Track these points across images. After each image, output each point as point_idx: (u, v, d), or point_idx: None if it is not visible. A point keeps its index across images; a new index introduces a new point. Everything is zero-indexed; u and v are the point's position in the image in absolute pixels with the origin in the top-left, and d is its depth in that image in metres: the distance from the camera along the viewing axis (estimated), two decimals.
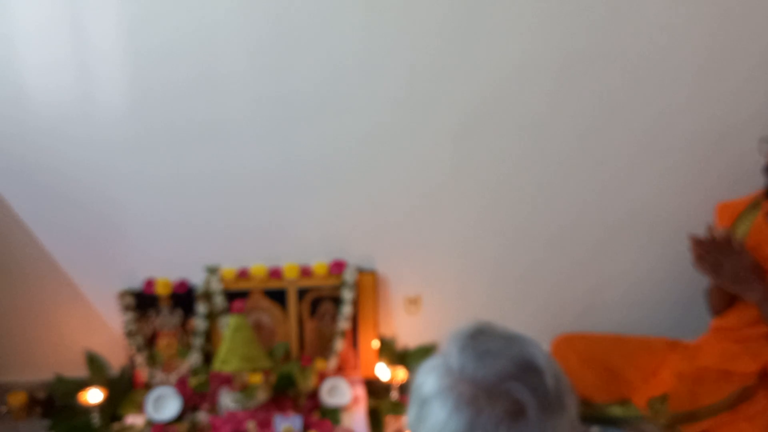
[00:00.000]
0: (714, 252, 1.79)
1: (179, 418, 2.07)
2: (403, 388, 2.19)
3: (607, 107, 2.13)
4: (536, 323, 2.35)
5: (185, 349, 2.23)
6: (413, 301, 2.34)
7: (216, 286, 2.18)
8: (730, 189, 2.02)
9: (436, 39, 2.00)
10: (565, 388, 0.81)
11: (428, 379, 0.84)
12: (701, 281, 2.07)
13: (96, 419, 2.10)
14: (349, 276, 2.21)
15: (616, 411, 2.14)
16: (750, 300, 1.80)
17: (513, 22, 1.99)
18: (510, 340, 0.84)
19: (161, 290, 2.19)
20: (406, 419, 0.87)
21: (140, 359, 2.20)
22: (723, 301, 1.98)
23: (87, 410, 2.12)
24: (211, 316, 2.21)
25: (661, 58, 2.07)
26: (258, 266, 2.21)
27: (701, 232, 1.82)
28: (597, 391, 2.13)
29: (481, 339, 0.85)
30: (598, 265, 2.36)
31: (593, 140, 2.17)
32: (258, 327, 2.25)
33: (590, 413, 2.16)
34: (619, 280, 2.39)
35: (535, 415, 0.77)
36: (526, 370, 0.80)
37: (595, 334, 2.24)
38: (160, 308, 2.22)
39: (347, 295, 2.21)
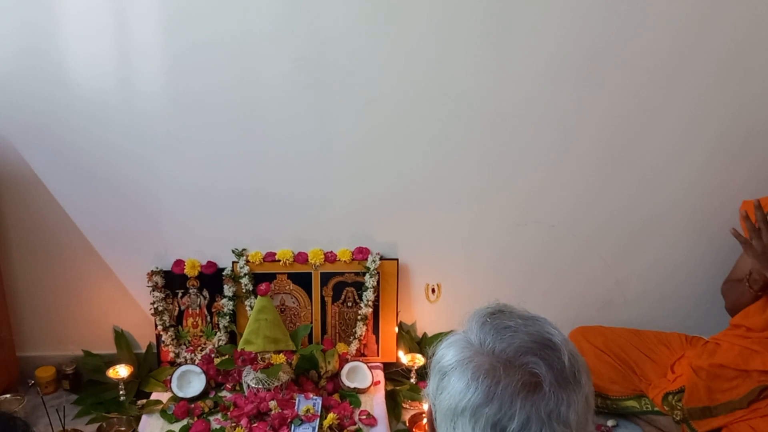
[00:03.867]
0: (761, 218, 1.72)
1: (203, 396, 2.05)
2: (422, 374, 2.16)
3: (633, 105, 2.08)
4: (556, 315, 2.27)
5: (211, 328, 2.21)
6: (433, 289, 2.30)
7: (243, 268, 2.16)
8: (757, 188, 1.97)
9: (467, 36, 1.97)
10: (580, 367, 0.81)
11: (448, 352, 0.84)
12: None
13: (122, 395, 2.08)
14: (371, 263, 2.18)
15: (632, 405, 2.10)
16: None
17: (543, 22, 1.96)
18: (529, 319, 0.85)
19: (190, 271, 2.17)
20: (426, 391, 0.87)
21: (167, 337, 2.17)
22: (744, 294, 1.93)
23: (113, 386, 2.11)
24: (238, 298, 2.18)
25: (686, 58, 2.02)
26: (284, 251, 2.19)
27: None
28: (613, 385, 2.09)
29: (500, 317, 0.85)
30: (621, 261, 2.30)
31: (619, 139, 2.12)
32: (283, 309, 2.22)
33: (606, 406, 2.12)
34: (642, 277, 2.33)
35: (550, 389, 0.77)
36: (544, 346, 0.80)
37: (612, 327, 2.19)
38: (188, 288, 2.20)
39: (369, 281, 2.18)
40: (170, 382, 2.05)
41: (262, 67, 1.99)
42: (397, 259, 2.23)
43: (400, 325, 2.30)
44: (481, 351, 0.81)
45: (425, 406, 2.02)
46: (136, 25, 1.92)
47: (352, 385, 2.10)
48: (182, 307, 2.21)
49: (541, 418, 0.76)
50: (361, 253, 2.19)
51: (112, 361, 2.17)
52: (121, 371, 2.07)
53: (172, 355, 2.18)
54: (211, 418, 1.95)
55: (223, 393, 2.07)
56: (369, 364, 2.18)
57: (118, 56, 1.96)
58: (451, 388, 0.81)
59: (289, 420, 1.89)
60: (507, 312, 0.87)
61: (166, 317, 2.17)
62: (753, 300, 1.90)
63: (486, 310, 0.87)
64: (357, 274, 2.21)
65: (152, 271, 2.16)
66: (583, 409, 0.79)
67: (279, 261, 2.18)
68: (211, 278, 2.19)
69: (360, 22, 1.95)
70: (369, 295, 2.18)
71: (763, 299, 1.87)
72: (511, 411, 0.76)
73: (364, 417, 1.97)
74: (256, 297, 2.09)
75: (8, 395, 2.05)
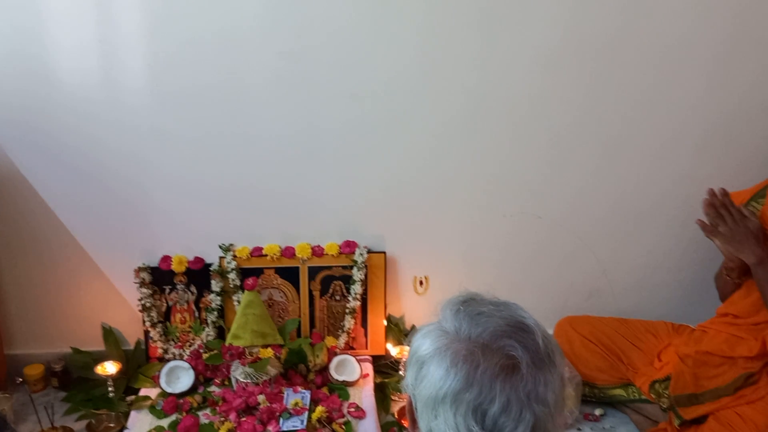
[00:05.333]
0: (719, 204, 1.74)
1: (192, 391, 2.03)
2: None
3: (625, 100, 2.08)
4: (544, 305, 2.29)
5: (199, 324, 2.19)
6: (421, 282, 2.29)
7: (230, 263, 2.14)
8: (745, 179, 1.97)
9: (460, 28, 1.95)
10: (554, 347, 0.82)
11: (424, 342, 0.84)
12: (711, 269, 2.02)
13: (111, 391, 2.06)
14: (359, 256, 2.17)
15: (619, 393, 2.10)
16: (746, 261, 1.74)
17: (535, 14, 1.95)
18: (500, 304, 0.86)
19: (177, 266, 2.15)
20: (404, 383, 0.87)
21: (155, 333, 2.15)
22: (727, 284, 1.93)
23: (102, 382, 2.08)
24: (226, 293, 2.16)
25: (680, 54, 2.02)
26: (271, 245, 2.17)
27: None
28: (600, 373, 2.09)
29: (472, 304, 0.85)
30: (609, 251, 2.30)
31: (609, 131, 2.12)
32: (271, 304, 2.21)
33: (593, 395, 2.12)
34: (629, 267, 2.32)
35: (528, 370, 0.78)
36: (518, 329, 0.82)
37: (599, 316, 2.19)
38: (175, 284, 2.18)
39: (357, 274, 2.17)
40: (159, 378, 2.04)
41: (248, 62, 1.97)
42: (384, 252, 2.22)
43: (389, 318, 2.29)
44: (457, 338, 0.82)
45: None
46: (121, 20, 1.90)
47: (340, 378, 2.09)
48: (170, 303, 2.19)
49: (521, 399, 0.77)
50: (349, 247, 2.18)
51: (100, 357, 2.14)
52: (109, 368, 2.05)
53: (160, 351, 2.17)
54: (200, 413, 1.94)
55: (212, 388, 2.06)
56: (357, 357, 2.17)
57: (103, 51, 1.93)
58: (430, 376, 0.80)
59: (277, 414, 1.88)
60: (478, 299, 0.87)
61: (153, 313, 2.15)
62: (735, 289, 1.91)
63: (458, 299, 0.87)
64: (345, 267, 2.20)
65: (139, 267, 2.14)
66: (559, 388, 0.80)
67: (266, 256, 2.16)
68: (199, 274, 2.17)
69: (346, 18, 1.93)
70: (357, 289, 2.17)
71: (745, 286, 1.87)
72: (492, 394, 0.76)
73: (353, 410, 1.96)
74: (243, 292, 2.07)
75: None
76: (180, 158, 2.07)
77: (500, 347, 0.79)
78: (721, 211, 1.74)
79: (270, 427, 1.83)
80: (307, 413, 1.88)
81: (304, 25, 1.93)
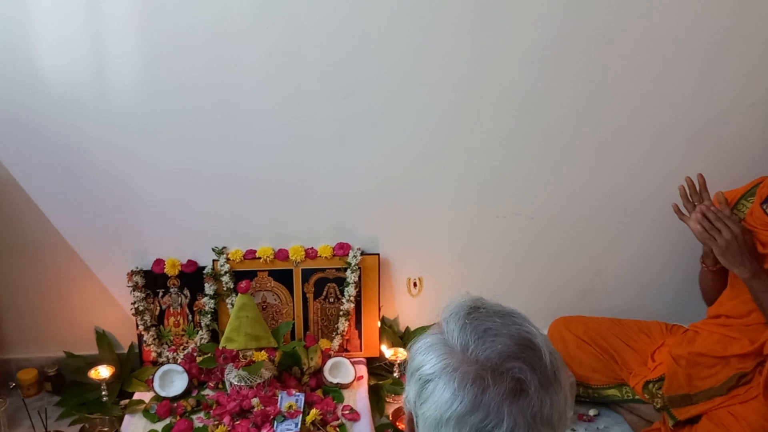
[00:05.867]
0: (714, 218, 1.74)
1: (186, 395, 2.03)
2: (404, 368, 2.15)
3: (616, 99, 2.07)
4: (538, 306, 2.29)
5: (193, 327, 2.18)
6: (415, 283, 2.29)
7: (224, 266, 2.14)
8: (737, 177, 1.97)
9: (452, 23, 1.94)
10: (559, 363, 0.81)
11: (429, 358, 0.81)
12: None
13: (104, 395, 2.06)
14: (352, 258, 2.16)
15: (613, 393, 2.10)
16: (739, 275, 1.74)
17: (527, 11, 1.94)
18: (505, 316, 0.83)
19: (170, 270, 2.14)
20: (405, 398, 0.85)
21: (149, 337, 2.15)
22: (710, 285, 1.94)
23: (96, 386, 2.08)
24: (219, 296, 2.16)
25: (671, 48, 2.02)
26: (265, 248, 2.16)
27: None
28: (594, 374, 2.09)
29: (478, 317, 0.83)
30: (602, 251, 2.30)
31: (600, 130, 2.11)
32: (264, 307, 2.20)
33: (587, 395, 2.12)
34: (623, 266, 2.32)
35: (535, 393, 0.77)
36: (525, 347, 0.79)
37: (593, 316, 2.19)
38: (168, 287, 2.17)
39: (351, 276, 2.16)
40: (152, 382, 2.03)
41: (239, 57, 1.94)
42: (378, 254, 2.21)
43: (383, 320, 2.28)
44: (465, 359, 0.79)
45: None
46: (109, 14, 1.87)
47: (335, 381, 2.09)
48: (163, 307, 2.18)
49: (527, 422, 0.75)
50: (342, 249, 2.17)
51: (94, 361, 2.14)
52: (103, 372, 2.05)
53: (154, 354, 2.16)
54: (194, 417, 1.93)
55: (206, 391, 2.06)
56: (352, 360, 2.16)
57: (90, 46, 1.90)
58: (436, 398, 0.78)
59: (271, 417, 1.87)
60: (482, 309, 0.84)
61: (147, 317, 2.15)
62: (711, 279, 1.92)
63: (462, 309, 0.84)
64: (338, 269, 2.19)
65: (132, 270, 2.13)
66: (563, 407, 0.80)
67: (259, 258, 2.16)
68: (192, 277, 2.17)
69: (340, 10, 1.91)
70: (351, 291, 2.17)
71: (732, 288, 1.87)
72: (498, 418, 0.75)
73: (347, 412, 1.96)
74: (237, 295, 2.06)
75: None
76: (171, 155, 2.05)
77: (509, 369, 0.77)
78: (717, 224, 1.73)
79: (264, 431, 1.83)
80: (301, 416, 1.88)
81: (294, 18, 1.91)
